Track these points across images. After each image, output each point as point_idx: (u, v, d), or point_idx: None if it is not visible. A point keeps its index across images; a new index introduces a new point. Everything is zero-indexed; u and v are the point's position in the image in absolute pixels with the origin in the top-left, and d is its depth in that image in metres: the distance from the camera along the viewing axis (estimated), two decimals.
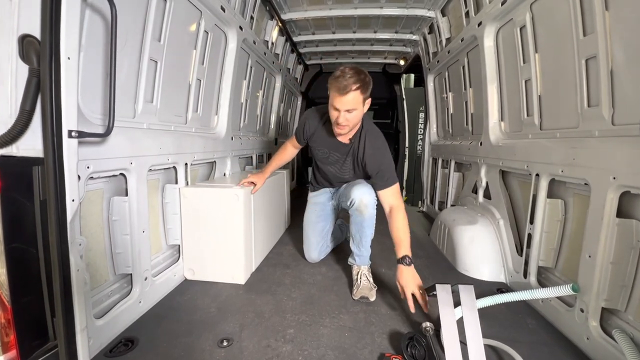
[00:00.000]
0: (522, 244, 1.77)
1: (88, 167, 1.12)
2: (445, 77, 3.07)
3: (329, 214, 2.11)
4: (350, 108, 1.49)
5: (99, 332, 1.19)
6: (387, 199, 1.67)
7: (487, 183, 2.20)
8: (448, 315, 1.20)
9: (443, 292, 1.29)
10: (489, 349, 1.21)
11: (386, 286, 1.76)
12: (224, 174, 2.36)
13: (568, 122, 1.49)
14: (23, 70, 0.86)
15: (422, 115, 5.18)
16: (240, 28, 2.25)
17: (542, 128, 1.70)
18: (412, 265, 1.48)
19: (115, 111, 1.12)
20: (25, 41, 0.85)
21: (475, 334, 1.14)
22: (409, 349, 1.18)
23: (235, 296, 1.64)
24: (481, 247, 1.98)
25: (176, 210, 1.74)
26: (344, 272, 1.94)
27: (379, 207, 1.72)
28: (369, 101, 1.56)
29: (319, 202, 2.09)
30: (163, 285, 1.61)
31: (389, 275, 1.90)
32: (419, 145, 5.23)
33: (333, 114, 1.55)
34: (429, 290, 1.38)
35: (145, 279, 1.46)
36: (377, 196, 1.72)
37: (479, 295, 1.33)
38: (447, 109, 3.12)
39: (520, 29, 1.77)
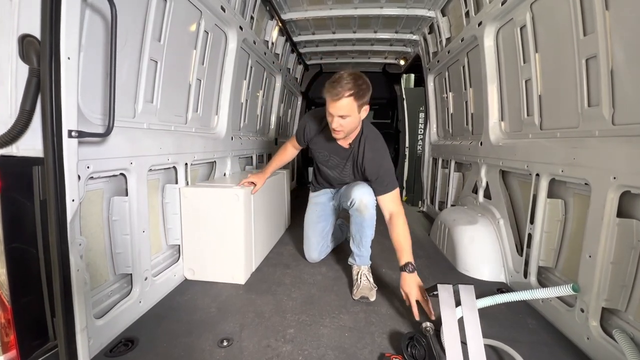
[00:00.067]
0: (522, 243, 1.77)
1: (88, 167, 1.12)
2: (446, 77, 3.07)
3: (329, 214, 2.11)
4: (343, 114, 1.48)
5: (99, 332, 1.19)
6: (387, 205, 1.66)
7: (487, 183, 2.20)
8: (450, 316, 1.20)
9: (445, 293, 1.29)
10: (489, 348, 1.21)
11: (386, 286, 1.76)
12: (224, 174, 2.36)
13: (568, 122, 1.49)
14: (23, 70, 0.86)
15: (422, 115, 5.18)
16: (241, 28, 2.25)
17: (543, 128, 1.70)
18: (415, 272, 1.48)
19: (115, 111, 1.12)
20: (25, 41, 0.85)
21: (476, 334, 1.14)
22: (409, 349, 1.18)
23: (236, 296, 1.64)
24: (481, 247, 1.98)
25: (176, 210, 1.74)
26: (344, 272, 1.94)
27: (379, 210, 1.71)
28: (366, 108, 1.54)
29: (320, 202, 2.10)
30: (163, 285, 1.61)
31: (389, 275, 1.90)
32: (419, 145, 5.24)
33: (328, 119, 1.56)
34: (429, 290, 1.38)
35: (145, 279, 1.46)
36: (376, 201, 1.71)
37: (479, 295, 1.33)
38: (447, 108, 3.12)
39: (521, 29, 1.77)
